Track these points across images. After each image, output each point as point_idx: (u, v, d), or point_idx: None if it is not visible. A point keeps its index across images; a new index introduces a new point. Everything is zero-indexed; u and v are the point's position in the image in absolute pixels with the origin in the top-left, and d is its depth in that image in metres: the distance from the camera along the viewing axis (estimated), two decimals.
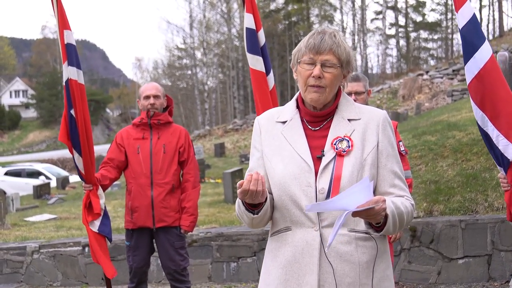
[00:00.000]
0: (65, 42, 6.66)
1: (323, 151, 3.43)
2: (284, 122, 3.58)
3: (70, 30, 6.78)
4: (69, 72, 6.63)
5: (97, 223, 6.92)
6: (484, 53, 5.40)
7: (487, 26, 73.47)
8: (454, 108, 24.44)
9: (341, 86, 3.58)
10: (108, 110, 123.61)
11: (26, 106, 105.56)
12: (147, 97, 7.32)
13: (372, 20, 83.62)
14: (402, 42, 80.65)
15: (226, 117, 76.15)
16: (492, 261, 9.11)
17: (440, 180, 10.87)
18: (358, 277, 3.35)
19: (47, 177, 34.19)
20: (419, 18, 79.54)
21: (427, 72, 46.09)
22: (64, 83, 6.69)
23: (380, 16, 74.49)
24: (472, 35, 5.45)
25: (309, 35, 3.47)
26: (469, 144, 11.97)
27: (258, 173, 3.23)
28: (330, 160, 3.39)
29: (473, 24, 5.46)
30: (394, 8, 76.95)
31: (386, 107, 42.90)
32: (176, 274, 7.40)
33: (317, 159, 3.42)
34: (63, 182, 31.34)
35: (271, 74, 6.73)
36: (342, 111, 3.54)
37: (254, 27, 6.67)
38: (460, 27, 5.52)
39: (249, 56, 6.69)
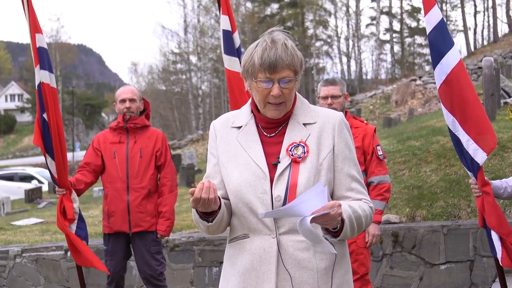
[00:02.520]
0: (37, 46, 6.63)
1: (278, 158, 3.39)
2: (239, 128, 3.54)
3: (42, 33, 6.75)
4: (41, 76, 6.60)
5: (73, 227, 6.87)
6: (451, 58, 5.40)
7: (482, 31, 73.68)
8: (443, 114, 24.38)
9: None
10: (103, 115, 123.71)
11: (22, 110, 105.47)
12: (123, 101, 7.29)
13: (366, 26, 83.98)
14: (396, 48, 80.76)
15: None
16: (474, 267, 9.08)
17: (424, 185, 10.84)
18: (317, 284, 3.33)
19: (39, 181, 34.10)
20: (414, 24, 79.60)
21: (420, 77, 46.07)
22: (36, 87, 6.66)
23: (375, 22, 74.51)
24: (439, 41, 5.45)
25: (260, 47, 3.34)
26: (453, 149, 11.72)
27: (209, 181, 3.18)
28: (285, 167, 3.36)
29: (440, 29, 5.46)
30: (389, 14, 77.05)
31: (379, 112, 42.91)
32: (152, 279, 7.37)
33: (272, 166, 3.39)
34: (55, 187, 31.20)
35: None
36: (297, 115, 3.50)
37: (230, 28, 6.73)
38: (427, 32, 5.52)
39: (226, 57, 6.76)
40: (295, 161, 3.36)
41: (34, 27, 6.65)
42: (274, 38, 3.35)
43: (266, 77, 3.31)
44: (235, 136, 3.52)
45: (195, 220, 3.44)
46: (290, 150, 3.38)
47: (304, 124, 3.46)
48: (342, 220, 3.20)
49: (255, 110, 3.53)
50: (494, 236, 5.43)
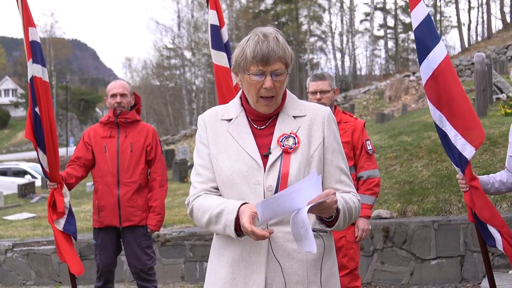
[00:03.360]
0: (30, 40, 6.61)
1: (270, 148, 3.41)
2: (229, 120, 3.55)
3: (35, 27, 6.74)
4: (33, 70, 6.59)
5: (62, 221, 6.85)
6: (437, 53, 5.41)
7: (476, 27, 73.95)
8: None
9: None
10: (97, 110, 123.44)
11: (16, 105, 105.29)
12: (114, 96, 7.28)
13: (361, 21, 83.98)
14: (390, 44, 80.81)
15: None
16: (464, 262, 9.11)
17: (415, 180, 10.87)
18: (306, 274, 3.36)
19: (33, 176, 34.09)
20: (408, 20, 79.46)
21: (414, 73, 46.12)
22: (29, 81, 6.65)
23: (369, 18, 74.54)
24: (425, 36, 5.46)
25: (252, 40, 3.37)
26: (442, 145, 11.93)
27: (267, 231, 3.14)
28: (277, 157, 3.39)
29: (426, 25, 5.47)
30: (383, 10, 77.09)
31: (372, 108, 42.94)
32: (143, 273, 7.36)
33: (264, 157, 3.41)
34: (47, 181, 31.17)
35: None
36: (287, 108, 3.53)
37: (218, 23, 6.72)
38: (414, 28, 5.53)
39: (213, 52, 6.76)
40: (286, 152, 3.39)
41: (27, 21, 6.63)
42: (266, 32, 3.39)
43: (258, 70, 3.34)
44: (225, 127, 3.53)
45: (217, 230, 3.39)
46: (281, 141, 3.41)
47: (294, 117, 3.50)
48: (337, 210, 3.25)
49: (245, 103, 3.55)
50: (492, 228, 5.45)
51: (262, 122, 3.52)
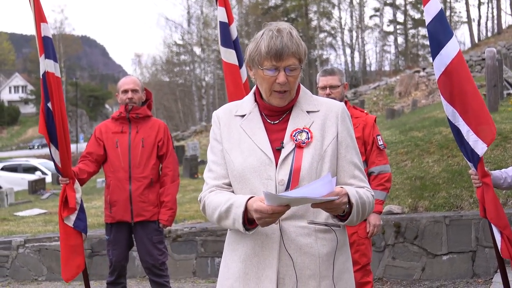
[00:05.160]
0: (42, 35, 6.63)
1: (282, 143, 3.41)
2: (242, 116, 3.56)
3: (47, 23, 6.75)
4: (46, 65, 6.60)
5: (72, 217, 6.86)
6: (450, 49, 5.40)
7: (486, 23, 73.74)
8: None
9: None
10: (107, 106, 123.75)
11: (25, 101, 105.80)
12: (125, 91, 7.29)
13: (370, 17, 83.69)
14: (400, 39, 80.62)
15: None
16: (476, 258, 9.10)
17: (426, 176, 10.85)
18: (318, 269, 3.35)
19: (43, 173, 34.18)
20: (417, 15, 79.47)
21: (423, 69, 46.03)
22: (41, 76, 6.66)
23: (378, 13, 74.42)
24: (438, 32, 5.45)
25: (266, 36, 3.37)
26: (455, 140, 11.91)
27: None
28: (289, 152, 3.38)
29: (439, 20, 5.46)
30: (393, 5, 77.00)
31: (382, 104, 42.90)
32: (155, 268, 7.38)
33: (276, 151, 3.41)
34: (58, 178, 31.17)
35: (244, 67, 6.75)
36: (300, 103, 3.52)
37: (226, 20, 6.71)
38: (427, 23, 5.51)
39: (222, 49, 6.74)
40: (299, 146, 3.38)
41: (39, 17, 6.65)
42: (280, 27, 3.38)
43: (272, 65, 3.34)
44: (238, 123, 3.53)
45: (227, 225, 3.40)
46: (294, 136, 3.40)
47: (308, 112, 3.49)
48: (350, 205, 3.24)
49: (259, 98, 3.55)
50: (494, 227, 5.46)
51: (276, 117, 3.52)
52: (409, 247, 9.38)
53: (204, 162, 29.75)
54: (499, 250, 5.46)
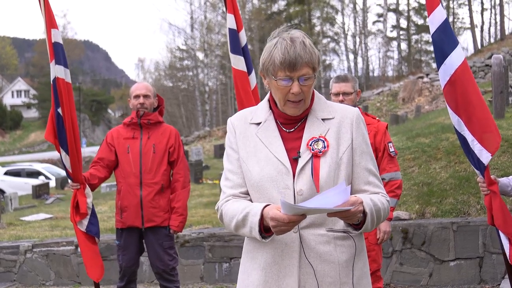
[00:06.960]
0: (52, 41, 6.67)
1: (299, 152, 3.43)
2: (258, 124, 3.57)
3: (57, 29, 6.79)
4: (56, 71, 6.64)
5: (85, 222, 6.92)
6: (454, 59, 5.42)
7: (489, 29, 73.60)
8: None
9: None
10: (110, 111, 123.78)
11: (28, 106, 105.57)
12: (137, 97, 7.33)
13: (373, 23, 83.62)
14: (403, 45, 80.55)
15: (226, 118, 75.04)
16: (483, 264, 9.12)
17: (433, 182, 10.86)
18: (338, 276, 3.38)
19: (46, 177, 34.14)
20: (420, 21, 79.34)
21: (427, 75, 45.94)
22: (51, 82, 6.69)
23: (382, 19, 74.34)
24: (443, 41, 5.47)
25: (280, 45, 3.35)
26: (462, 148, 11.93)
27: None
28: (306, 161, 3.39)
29: (444, 30, 5.47)
30: (396, 11, 76.85)
31: (386, 110, 42.86)
32: (165, 274, 7.42)
33: (293, 161, 3.42)
34: (62, 182, 31.24)
35: (253, 73, 6.82)
36: (315, 111, 3.54)
37: (235, 27, 6.75)
38: (431, 33, 5.53)
39: (232, 56, 6.79)
40: (316, 156, 3.39)
41: (50, 23, 6.68)
42: (293, 37, 3.38)
43: (286, 75, 3.34)
44: (254, 132, 3.54)
45: (245, 233, 3.40)
46: (310, 145, 3.42)
47: (323, 120, 3.50)
48: (364, 213, 3.26)
49: (273, 106, 3.56)
50: (502, 235, 5.48)
51: (291, 125, 3.53)
52: (417, 253, 9.40)
53: (208, 167, 29.81)
54: (507, 257, 5.49)
